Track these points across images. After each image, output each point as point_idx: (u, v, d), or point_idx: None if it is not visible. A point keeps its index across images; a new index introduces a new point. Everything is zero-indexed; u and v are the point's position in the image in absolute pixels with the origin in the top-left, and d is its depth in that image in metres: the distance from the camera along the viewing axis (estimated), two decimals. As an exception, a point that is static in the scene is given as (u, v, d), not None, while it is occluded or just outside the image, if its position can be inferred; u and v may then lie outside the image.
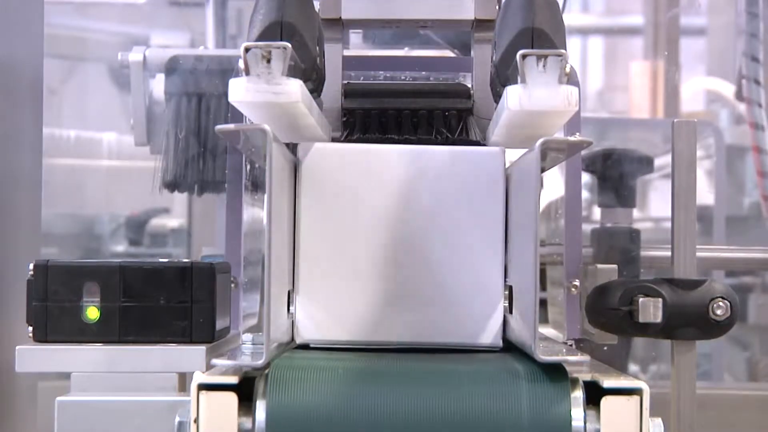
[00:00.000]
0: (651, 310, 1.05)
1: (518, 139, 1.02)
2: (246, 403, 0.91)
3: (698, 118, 2.60)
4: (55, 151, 2.28)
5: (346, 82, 1.16)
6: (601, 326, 1.11)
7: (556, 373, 0.92)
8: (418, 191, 1.04)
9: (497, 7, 1.11)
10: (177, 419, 0.92)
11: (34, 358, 1.03)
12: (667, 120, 2.64)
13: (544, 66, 0.92)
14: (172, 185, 1.50)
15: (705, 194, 2.37)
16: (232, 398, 0.90)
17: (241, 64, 0.92)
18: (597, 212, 1.57)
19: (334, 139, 1.13)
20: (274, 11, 1.01)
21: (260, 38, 1.00)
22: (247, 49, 0.91)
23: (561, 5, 1.04)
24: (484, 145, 1.12)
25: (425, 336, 1.03)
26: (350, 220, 1.03)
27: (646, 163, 1.55)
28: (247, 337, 1.04)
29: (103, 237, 2.43)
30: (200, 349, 1.02)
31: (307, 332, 1.03)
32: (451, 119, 1.15)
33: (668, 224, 1.09)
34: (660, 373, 2.19)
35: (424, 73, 1.32)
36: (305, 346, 1.03)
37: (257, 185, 1.13)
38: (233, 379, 0.91)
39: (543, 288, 1.27)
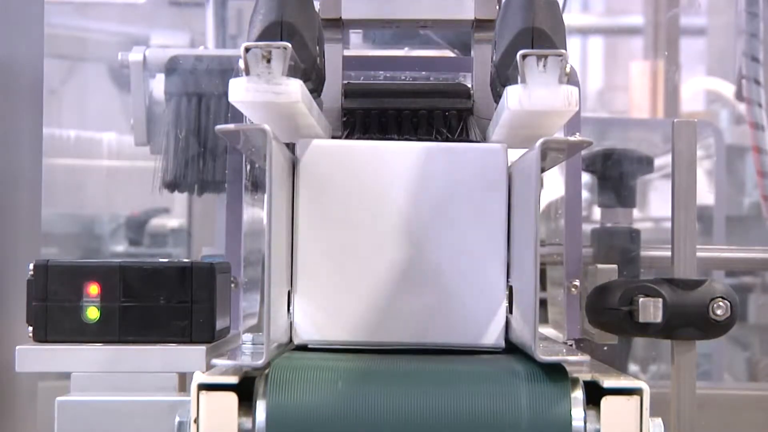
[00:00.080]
0: (651, 310, 1.05)
1: (518, 139, 1.02)
2: (246, 403, 0.91)
3: (698, 118, 2.59)
4: (55, 151, 2.28)
5: (346, 82, 1.16)
6: (601, 326, 1.11)
7: (556, 373, 0.92)
8: (419, 189, 1.03)
9: (497, 7, 1.11)
10: (177, 419, 0.92)
11: (34, 358, 1.03)
12: (667, 120, 2.64)
13: (544, 66, 0.92)
14: (172, 185, 1.50)
15: (705, 194, 2.37)
16: (232, 398, 0.90)
17: (241, 64, 0.92)
18: (597, 212, 1.57)
19: (334, 137, 1.13)
20: (274, 11, 1.01)
21: (260, 38, 1.00)
22: (247, 49, 0.91)
23: (561, 5, 1.04)
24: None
25: (426, 337, 1.03)
26: (349, 218, 1.02)
27: (646, 163, 1.55)
28: (247, 337, 1.04)
29: (103, 237, 2.43)
30: (200, 349, 1.02)
31: (305, 333, 1.02)
32: (451, 119, 1.14)
33: (668, 224, 1.09)
34: (660, 373, 2.19)
35: (424, 73, 1.32)
36: (303, 347, 1.03)
37: (257, 185, 1.13)
38: (233, 379, 0.91)
39: (543, 288, 1.27)
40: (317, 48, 1.05)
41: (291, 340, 1.03)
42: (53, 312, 1.03)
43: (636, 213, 1.58)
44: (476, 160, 1.03)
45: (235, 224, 1.15)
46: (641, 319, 1.05)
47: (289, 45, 0.92)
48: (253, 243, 1.12)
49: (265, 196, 0.90)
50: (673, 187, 1.08)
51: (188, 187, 1.50)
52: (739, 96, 1.86)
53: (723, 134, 2.61)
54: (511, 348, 1.02)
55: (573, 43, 3.14)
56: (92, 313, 1.03)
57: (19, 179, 1.60)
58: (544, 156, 0.95)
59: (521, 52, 0.92)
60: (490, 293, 1.02)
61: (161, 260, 1.05)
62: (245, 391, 0.91)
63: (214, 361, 0.93)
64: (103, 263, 1.04)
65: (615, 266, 1.17)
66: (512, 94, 0.93)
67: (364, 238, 1.02)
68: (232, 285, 1.13)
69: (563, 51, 0.93)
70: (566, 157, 1.05)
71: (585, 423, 0.91)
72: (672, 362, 1.08)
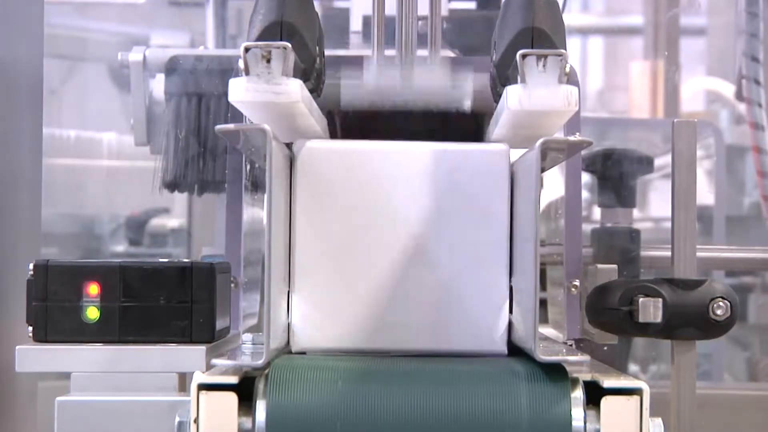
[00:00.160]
0: (651, 310, 1.05)
1: (518, 139, 1.02)
2: (246, 403, 0.91)
3: (698, 118, 2.59)
4: (55, 151, 2.28)
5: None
6: (601, 326, 1.11)
7: (556, 373, 0.92)
8: (419, 190, 1.02)
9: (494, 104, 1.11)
10: (177, 419, 0.92)
11: (34, 358, 1.03)
12: (667, 120, 2.64)
13: (544, 66, 0.92)
14: (172, 185, 1.50)
15: (705, 194, 2.37)
16: (232, 398, 0.90)
17: (241, 64, 0.92)
18: (597, 212, 1.57)
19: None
20: (274, 11, 1.01)
21: (260, 38, 1.00)
22: (247, 49, 0.91)
23: (561, 5, 1.04)
24: None
25: (427, 343, 1.01)
26: (348, 221, 1.01)
27: (646, 163, 1.55)
28: (247, 337, 1.04)
29: (103, 237, 2.43)
30: (200, 349, 1.02)
31: (303, 339, 1.01)
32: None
33: (668, 224, 1.09)
34: (660, 373, 2.19)
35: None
36: (302, 353, 1.01)
37: (257, 185, 1.13)
38: (233, 379, 0.91)
39: (543, 288, 1.27)
40: (317, 48, 1.05)
41: (288, 344, 1.02)
42: (53, 312, 1.03)
43: (636, 213, 1.58)
44: (478, 160, 1.02)
45: (235, 224, 1.15)
46: (641, 319, 1.05)
47: (289, 45, 0.92)
48: (253, 243, 1.12)
49: (265, 196, 0.90)
50: (673, 187, 1.08)
51: (188, 187, 1.50)
52: (739, 96, 1.86)
53: (723, 134, 2.61)
54: (514, 350, 1.01)
55: (573, 43, 3.14)
56: (92, 313, 1.03)
57: (19, 179, 1.60)
58: (544, 156, 0.95)
59: (521, 51, 0.92)
60: (493, 297, 1.01)
61: (161, 260, 1.05)
62: (245, 391, 0.91)
63: (214, 361, 0.93)
64: (103, 263, 1.04)
65: (615, 266, 1.17)
66: (512, 94, 0.93)
67: (363, 241, 1.01)
68: (232, 285, 1.13)
69: (563, 51, 0.93)
70: (566, 157, 1.05)
71: (585, 423, 0.91)
72: (672, 362, 1.08)
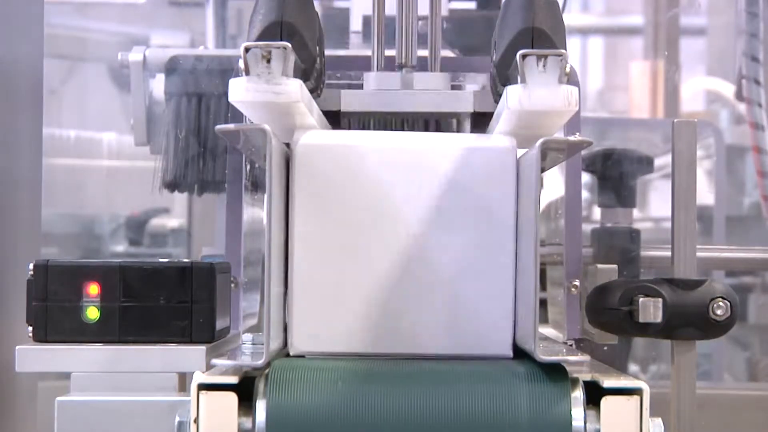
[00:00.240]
0: (651, 310, 1.05)
1: (518, 139, 1.02)
2: (246, 403, 0.91)
3: (698, 118, 2.59)
4: (55, 151, 2.28)
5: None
6: (601, 326, 1.11)
7: (556, 373, 0.92)
8: (422, 187, 0.99)
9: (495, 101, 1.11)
10: (177, 419, 0.92)
11: (34, 358, 1.03)
12: (667, 120, 2.64)
13: (544, 66, 0.92)
14: (172, 185, 1.50)
15: (705, 194, 2.37)
16: (232, 398, 0.90)
17: (241, 64, 0.92)
18: (597, 212, 1.57)
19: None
20: (274, 11, 1.01)
21: (260, 38, 1.00)
22: (247, 49, 0.91)
23: (561, 5, 1.04)
24: None
25: (430, 347, 0.98)
26: (348, 218, 0.99)
27: (646, 163, 1.55)
28: (247, 337, 1.04)
29: (103, 237, 2.43)
30: (200, 349, 1.02)
31: (301, 343, 0.99)
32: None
33: (668, 224, 1.09)
34: (660, 373, 2.19)
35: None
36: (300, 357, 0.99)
37: (257, 185, 1.13)
38: (233, 379, 0.91)
39: (543, 288, 1.27)
40: (317, 48, 1.06)
41: (285, 347, 0.99)
42: (53, 312, 1.03)
43: (636, 213, 1.58)
44: (483, 156, 1.00)
45: (235, 224, 1.15)
46: (641, 319, 1.05)
47: (289, 45, 0.92)
48: (253, 243, 1.12)
49: (265, 196, 0.89)
50: (673, 187, 1.08)
51: (188, 187, 1.50)
52: (739, 96, 1.86)
53: (723, 134, 2.61)
54: (518, 351, 0.99)
55: (573, 43, 3.14)
56: (92, 313, 1.03)
57: (19, 179, 1.60)
58: (544, 156, 0.95)
59: (521, 52, 0.92)
60: (498, 298, 0.99)
61: (161, 260, 1.05)
62: (245, 391, 0.91)
63: (214, 361, 0.93)
64: (103, 263, 1.04)
65: (615, 266, 1.17)
66: (512, 94, 0.93)
67: (363, 240, 0.99)
68: (232, 285, 1.13)
69: (563, 51, 0.93)
70: (566, 157, 1.05)
71: (585, 423, 0.91)
72: (672, 362, 1.08)
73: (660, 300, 1.05)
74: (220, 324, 1.06)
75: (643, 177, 1.61)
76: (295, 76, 0.93)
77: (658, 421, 0.92)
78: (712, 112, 2.83)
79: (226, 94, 0.94)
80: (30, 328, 1.04)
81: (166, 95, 1.50)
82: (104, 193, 2.47)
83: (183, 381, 1.04)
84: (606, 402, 0.91)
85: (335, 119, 1.15)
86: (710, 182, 2.43)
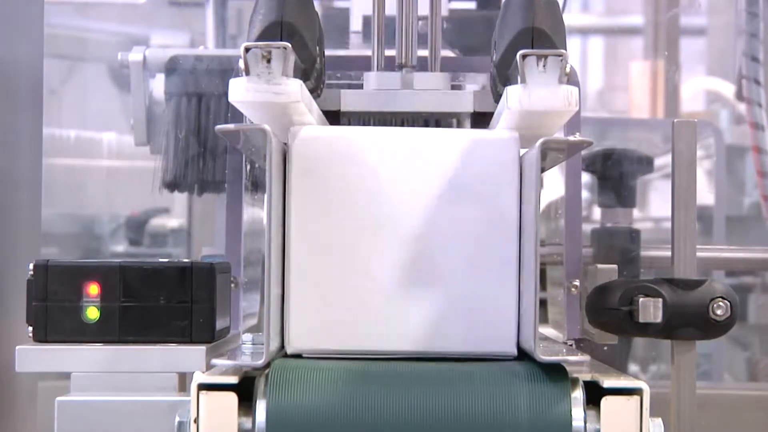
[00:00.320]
0: (651, 310, 1.05)
1: (518, 139, 1.02)
2: (246, 403, 0.91)
3: (698, 118, 2.59)
4: (55, 151, 2.28)
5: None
6: (601, 326, 1.11)
7: (556, 373, 0.92)
8: (423, 182, 0.97)
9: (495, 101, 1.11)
10: (177, 419, 0.92)
11: (34, 358, 1.03)
12: (667, 120, 2.64)
13: (544, 66, 0.92)
14: (172, 185, 1.50)
15: (705, 194, 2.37)
16: (232, 398, 0.90)
17: (241, 64, 0.92)
18: (597, 212, 1.57)
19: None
20: (274, 11, 1.01)
21: (260, 38, 1.00)
22: (247, 49, 0.91)
23: (561, 5, 1.04)
24: None
25: (431, 345, 0.97)
26: (346, 215, 0.97)
27: (646, 163, 1.55)
28: (247, 337, 1.04)
29: (103, 237, 2.43)
30: (200, 349, 1.02)
31: (298, 341, 0.97)
32: None
33: (668, 224, 1.09)
34: (660, 373, 2.19)
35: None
36: (297, 356, 0.98)
37: (257, 185, 1.13)
38: (233, 379, 0.91)
39: (543, 288, 1.27)
40: (317, 48, 1.06)
41: (283, 347, 0.98)
42: (53, 312, 1.03)
43: (636, 213, 1.58)
44: (486, 149, 0.98)
45: (235, 224, 1.15)
46: (641, 319, 1.05)
47: (289, 45, 0.92)
48: (253, 243, 1.12)
49: (265, 196, 0.89)
50: (673, 187, 1.08)
51: (188, 187, 1.50)
52: (739, 96, 1.86)
53: (723, 134, 2.61)
54: (519, 351, 0.98)
55: (573, 43, 3.14)
56: (92, 313, 1.03)
57: (19, 179, 1.60)
58: (544, 156, 0.95)
59: (521, 52, 0.92)
60: (501, 296, 0.97)
61: (161, 260, 1.05)
62: (245, 391, 0.91)
63: (214, 361, 0.93)
64: (103, 263, 1.04)
65: (615, 266, 1.17)
66: (512, 94, 0.93)
67: (362, 235, 0.97)
68: (232, 285, 1.13)
69: (563, 51, 0.93)
70: (566, 157, 1.05)
71: (585, 423, 0.91)
72: (672, 362, 1.08)
73: (660, 300, 1.05)
74: (220, 324, 1.06)
75: (643, 177, 1.61)
76: (295, 76, 0.93)
77: (658, 421, 0.92)
78: (712, 112, 2.83)
79: (226, 94, 0.94)
80: (30, 328, 1.04)
81: (166, 95, 1.50)
82: (104, 193, 2.47)
83: (183, 381, 1.04)
84: (606, 402, 0.91)
85: (335, 119, 1.15)
86: (710, 182, 2.43)
